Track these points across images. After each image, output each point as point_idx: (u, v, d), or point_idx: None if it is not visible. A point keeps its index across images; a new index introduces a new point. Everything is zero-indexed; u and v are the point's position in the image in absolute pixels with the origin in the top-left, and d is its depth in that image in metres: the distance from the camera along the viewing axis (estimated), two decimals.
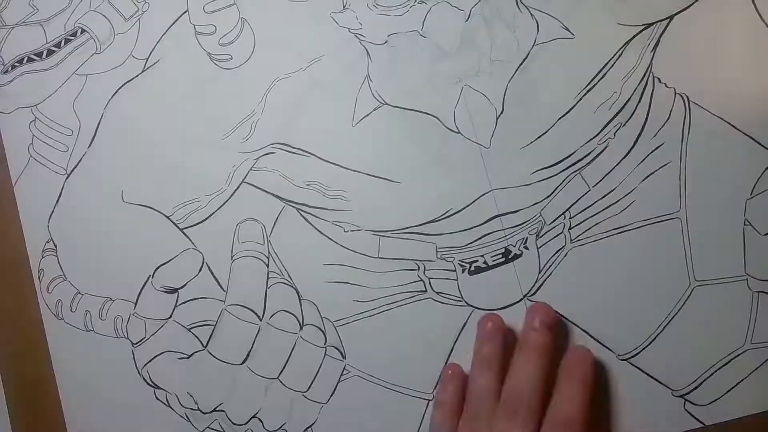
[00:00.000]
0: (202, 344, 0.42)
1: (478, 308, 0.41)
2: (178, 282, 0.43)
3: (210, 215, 0.44)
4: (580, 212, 0.41)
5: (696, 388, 0.39)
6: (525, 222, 0.41)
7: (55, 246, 0.45)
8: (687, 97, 0.41)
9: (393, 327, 0.42)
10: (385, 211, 0.42)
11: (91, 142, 0.45)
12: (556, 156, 0.41)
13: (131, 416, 0.44)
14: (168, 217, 0.44)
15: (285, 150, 0.43)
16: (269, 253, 0.43)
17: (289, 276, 0.43)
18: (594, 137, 0.41)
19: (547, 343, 0.39)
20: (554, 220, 0.41)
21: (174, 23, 0.45)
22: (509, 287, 0.41)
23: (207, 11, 0.44)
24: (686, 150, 0.41)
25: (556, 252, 0.41)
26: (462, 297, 0.41)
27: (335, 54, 0.43)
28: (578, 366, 0.38)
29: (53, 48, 0.46)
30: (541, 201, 0.41)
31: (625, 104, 0.41)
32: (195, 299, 0.43)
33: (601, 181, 0.41)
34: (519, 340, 0.40)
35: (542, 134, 0.41)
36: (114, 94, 0.45)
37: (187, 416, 0.43)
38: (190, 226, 0.44)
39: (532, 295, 0.41)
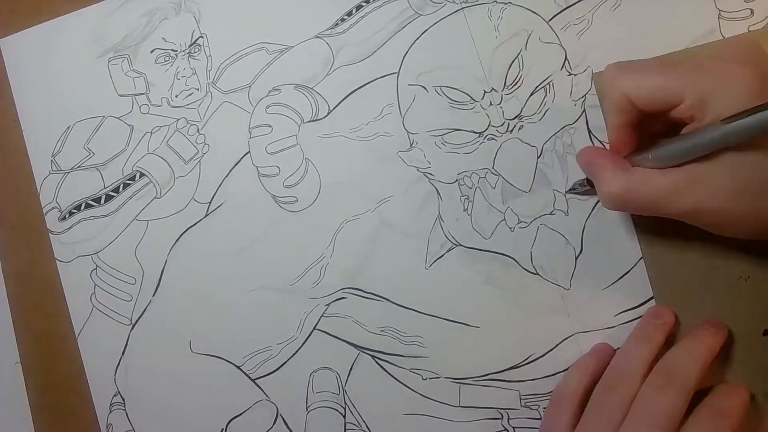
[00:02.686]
0: None
1: None
2: None
3: (282, 364, 0.42)
4: None
5: None
6: None
7: (123, 400, 0.44)
8: None
9: None
10: (465, 357, 0.41)
11: (155, 291, 0.44)
12: (640, 297, 0.40)
13: None
14: (239, 367, 0.43)
15: (357, 295, 0.42)
16: (345, 403, 0.42)
17: (367, 427, 0.42)
18: None
19: (715, 347, 0.36)
20: None
21: (236, 165, 0.44)
22: None
23: (269, 152, 0.43)
24: None
25: None
26: None
27: (404, 194, 0.42)
28: (736, 388, 0.37)
29: (112, 193, 0.44)
30: None
31: None
32: None
33: None
34: (688, 335, 0.37)
35: (625, 274, 0.40)
36: (177, 240, 0.44)
37: None
38: (262, 376, 0.42)
39: None
